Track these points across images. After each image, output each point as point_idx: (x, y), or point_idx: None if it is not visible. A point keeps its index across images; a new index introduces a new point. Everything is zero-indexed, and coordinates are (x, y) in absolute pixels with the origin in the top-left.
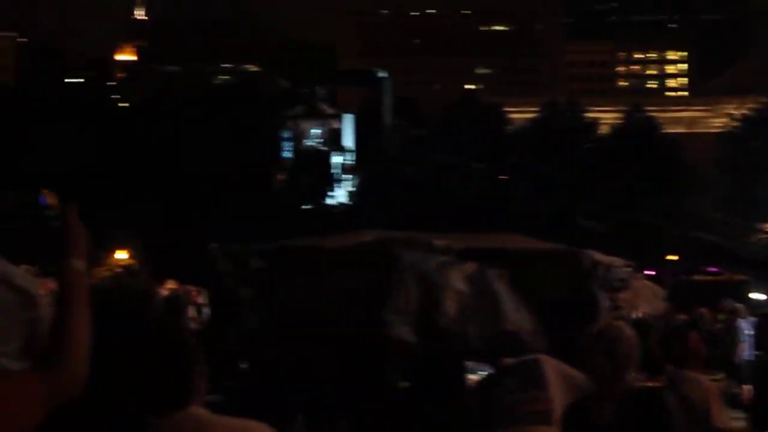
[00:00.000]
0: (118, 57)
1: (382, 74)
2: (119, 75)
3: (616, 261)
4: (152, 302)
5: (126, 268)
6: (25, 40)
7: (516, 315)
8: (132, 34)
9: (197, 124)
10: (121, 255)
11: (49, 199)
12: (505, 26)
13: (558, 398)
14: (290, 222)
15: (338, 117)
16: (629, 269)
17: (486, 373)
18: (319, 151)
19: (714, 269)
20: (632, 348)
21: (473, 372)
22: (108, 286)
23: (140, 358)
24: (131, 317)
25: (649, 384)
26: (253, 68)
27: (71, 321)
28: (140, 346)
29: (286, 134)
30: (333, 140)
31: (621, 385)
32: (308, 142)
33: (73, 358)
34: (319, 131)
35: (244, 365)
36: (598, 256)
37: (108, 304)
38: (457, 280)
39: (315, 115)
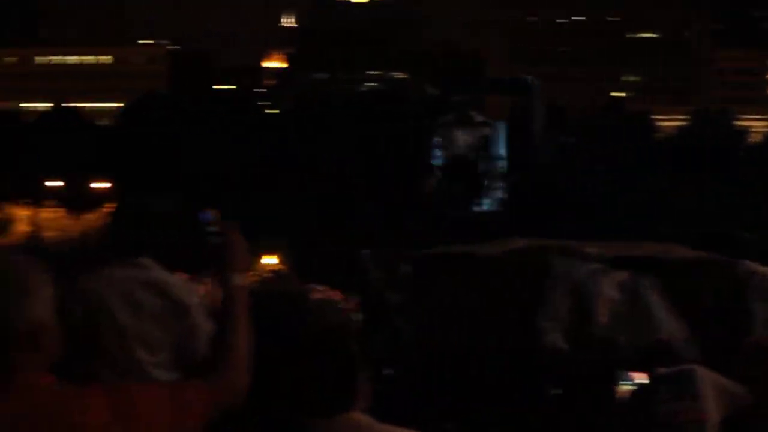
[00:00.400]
0: (267, 64)
1: (533, 81)
2: (268, 82)
3: None
4: (308, 306)
5: (275, 272)
6: (177, 47)
7: (668, 324)
8: (281, 41)
9: (347, 131)
10: (270, 260)
11: (212, 215)
12: (653, 33)
13: (713, 410)
14: (440, 229)
15: (488, 124)
16: None
17: (636, 382)
18: (469, 158)
19: None
20: None
21: (624, 381)
22: (264, 291)
23: (302, 362)
24: (290, 321)
25: None
26: (401, 75)
27: (234, 333)
28: (302, 349)
29: (436, 141)
30: (483, 148)
31: None
32: (458, 150)
33: (235, 369)
34: (469, 139)
35: (388, 371)
36: (754, 266)
37: (265, 309)
38: (609, 288)
39: (466, 122)
